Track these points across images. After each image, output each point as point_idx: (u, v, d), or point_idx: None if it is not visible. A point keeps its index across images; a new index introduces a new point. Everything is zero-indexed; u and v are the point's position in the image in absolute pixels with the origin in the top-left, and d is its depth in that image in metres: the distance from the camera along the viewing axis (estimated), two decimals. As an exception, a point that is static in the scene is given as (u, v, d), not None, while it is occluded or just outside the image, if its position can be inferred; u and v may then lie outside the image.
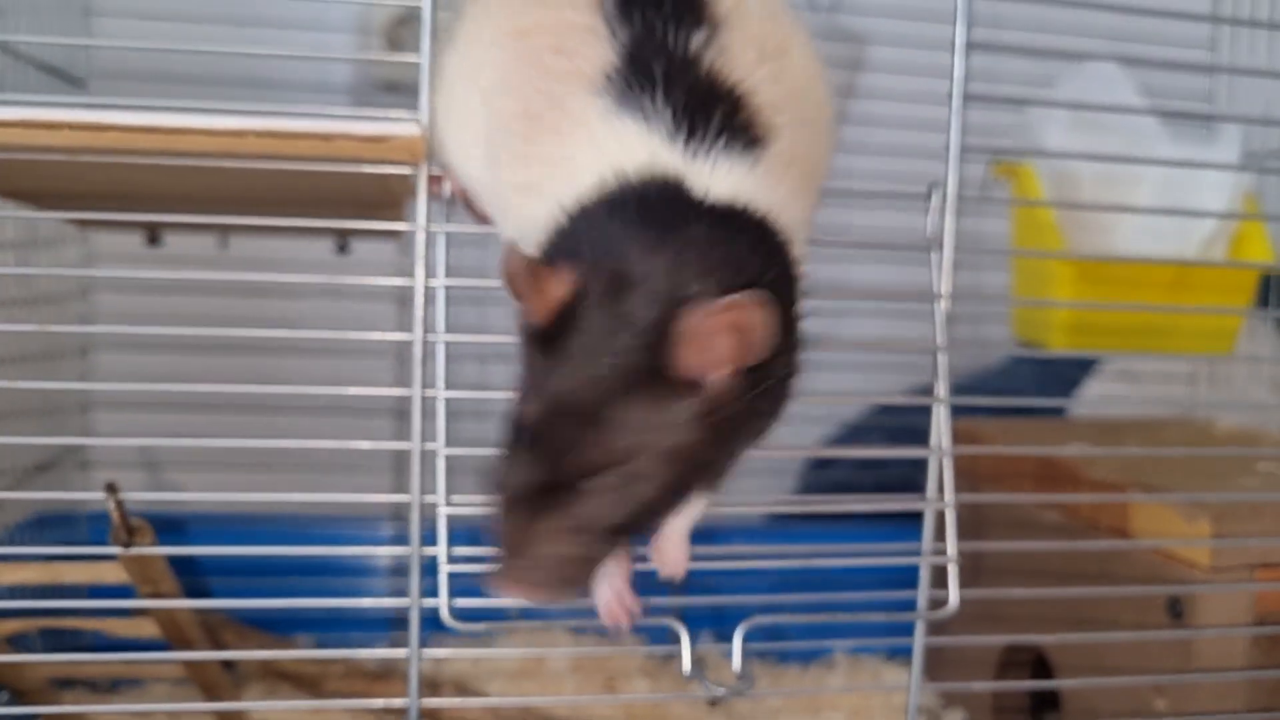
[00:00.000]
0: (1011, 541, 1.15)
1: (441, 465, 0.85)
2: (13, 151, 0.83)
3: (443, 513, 0.84)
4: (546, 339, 0.64)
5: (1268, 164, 1.44)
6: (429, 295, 0.86)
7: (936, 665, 1.27)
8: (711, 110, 0.67)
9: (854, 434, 1.71)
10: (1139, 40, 1.37)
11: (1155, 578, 1.05)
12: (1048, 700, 1.29)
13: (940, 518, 0.94)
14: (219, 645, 1.10)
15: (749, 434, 0.69)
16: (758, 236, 0.67)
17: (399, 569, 1.45)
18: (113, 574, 0.95)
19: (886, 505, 0.98)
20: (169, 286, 1.34)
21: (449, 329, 0.85)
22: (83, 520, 1.43)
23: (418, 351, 0.86)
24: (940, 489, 0.93)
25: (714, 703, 1.36)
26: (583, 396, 0.62)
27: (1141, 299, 1.29)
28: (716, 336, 0.60)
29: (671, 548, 0.82)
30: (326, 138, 0.83)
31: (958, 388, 0.96)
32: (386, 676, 1.28)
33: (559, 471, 0.62)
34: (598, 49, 0.70)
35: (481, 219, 0.88)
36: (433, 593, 0.86)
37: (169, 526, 1.01)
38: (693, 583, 1.43)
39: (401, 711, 1.28)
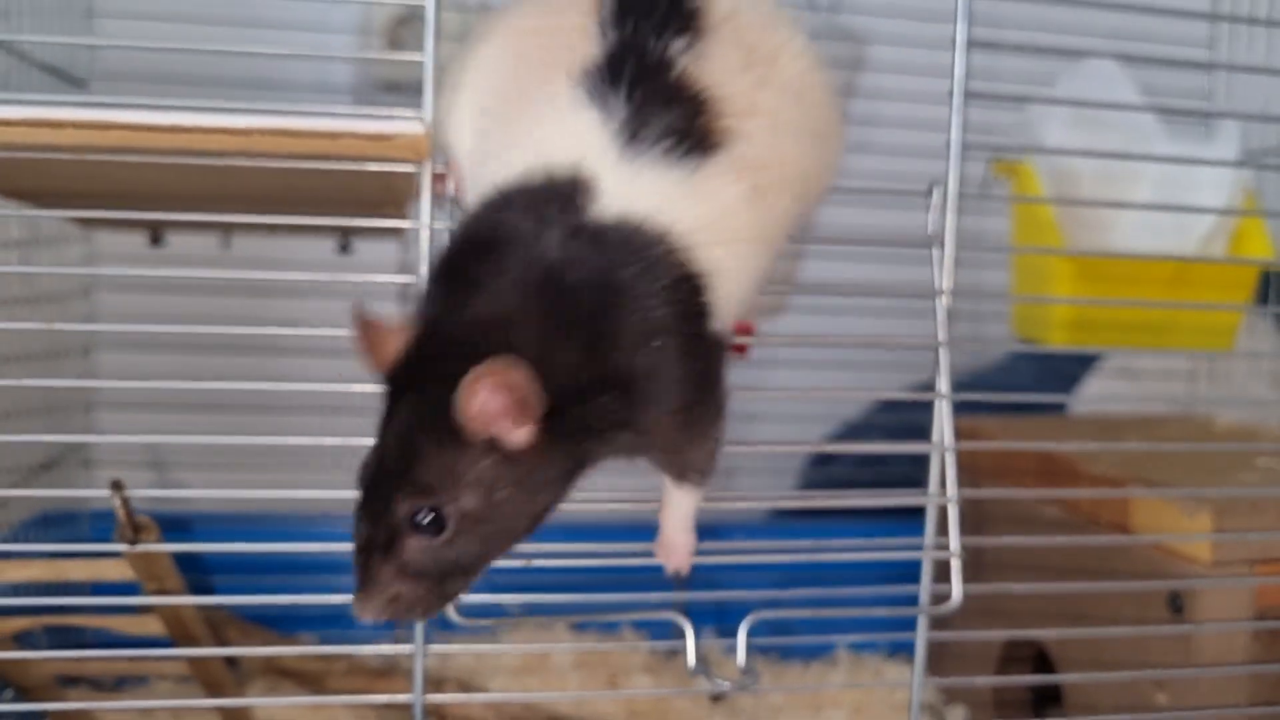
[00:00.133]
0: (1013, 536, 1.16)
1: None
2: (17, 150, 0.83)
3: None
4: (387, 390, 0.67)
5: (1266, 161, 1.44)
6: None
7: (938, 661, 1.27)
8: (664, 113, 0.69)
9: (854, 432, 1.71)
10: (1138, 38, 1.37)
11: (1156, 573, 1.06)
12: (1049, 696, 1.30)
13: (942, 513, 0.94)
14: (223, 643, 1.11)
15: (564, 483, 0.69)
16: (630, 262, 0.67)
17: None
18: (118, 571, 0.96)
19: (890, 501, 0.98)
20: (171, 286, 1.35)
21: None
22: (86, 518, 1.43)
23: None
24: (943, 484, 0.94)
25: (716, 699, 1.36)
26: (394, 449, 0.65)
27: (1141, 296, 1.30)
28: (487, 398, 0.62)
29: (674, 540, 0.83)
30: (333, 136, 0.83)
31: (958, 385, 0.96)
32: (389, 673, 1.29)
33: (382, 520, 0.65)
34: (587, 47, 0.72)
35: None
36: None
37: (173, 525, 1.02)
38: (696, 579, 1.44)
39: (404, 708, 1.29)
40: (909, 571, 0.99)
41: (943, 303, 0.94)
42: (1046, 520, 1.22)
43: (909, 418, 1.58)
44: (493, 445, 0.64)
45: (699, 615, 0.94)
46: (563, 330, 0.65)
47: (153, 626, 1.04)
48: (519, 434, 0.64)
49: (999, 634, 1.22)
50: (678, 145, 0.68)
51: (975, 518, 1.24)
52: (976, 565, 1.02)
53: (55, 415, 1.41)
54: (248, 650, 1.21)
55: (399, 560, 0.65)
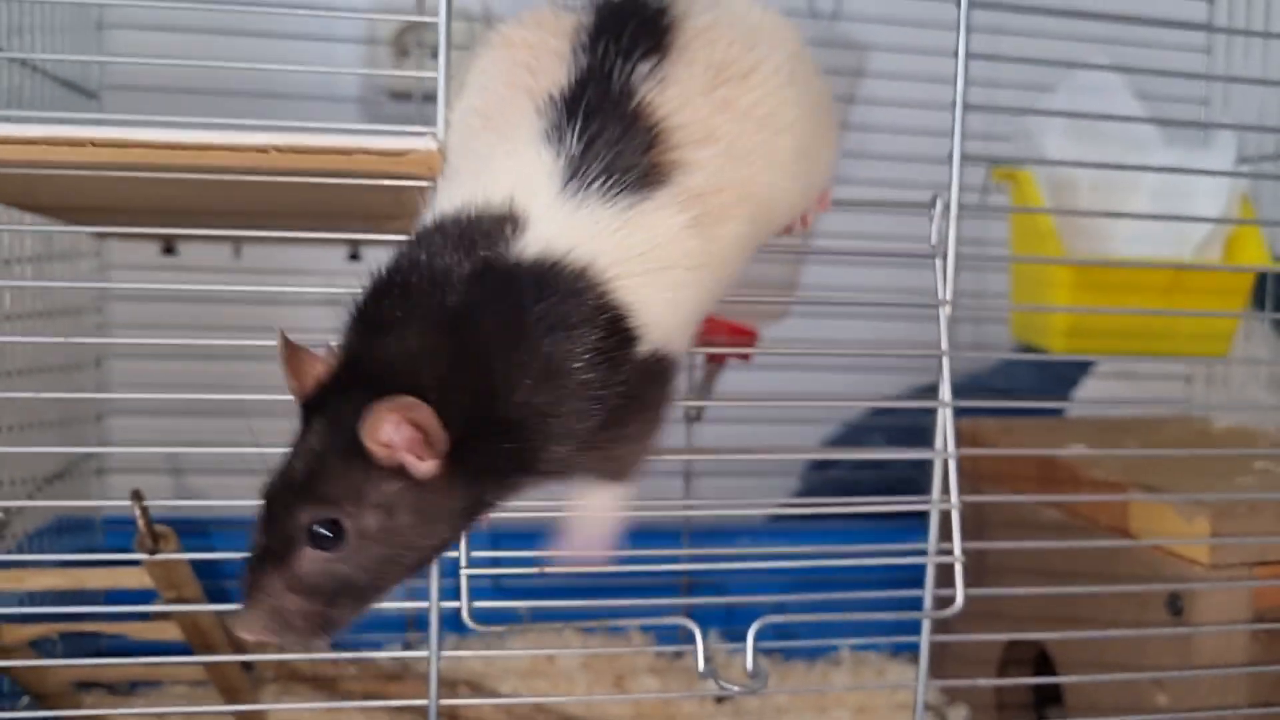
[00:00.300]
0: (1015, 541, 1.18)
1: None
2: (37, 167, 0.85)
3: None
4: (302, 414, 0.69)
5: (1262, 167, 1.45)
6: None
7: (940, 662, 1.29)
8: (613, 148, 0.70)
9: (854, 433, 1.73)
10: (1135, 44, 1.39)
11: (1155, 575, 1.07)
12: (1049, 697, 1.31)
13: (944, 518, 0.96)
14: (239, 647, 1.12)
15: (465, 519, 0.70)
16: (539, 301, 0.67)
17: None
18: (135, 579, 0.97)
19: (894, 506, 1.00)
20: (184, 294, 1.37)
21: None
22: (99, 525, 1.45)
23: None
24: (945, 490, 0.95)
25: (721, 699, 1.38)
26: (301, 466, 0.66)
27: (1138, 302, 1.31)
28: (393, 430, 0.63)
29: (586, 534, 0.82)
30: (347, 152, 0.85)
31: (957, 387, 0.97)
32: (400, 676, 1.31)
33: (280, 530, 0.66)
34: (558, 73, 0.73)
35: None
36: (444, 595, 0.89)
37: (188, 530, 1.03)
38: (701, 582, 1.45)
39: (417, 710, 1.31)
40: (910, 572, 1.01)
41: (945, 312, 0.96)
42: (1046, 523, 1.23)
43: (909, 417, 1.60)
44: (400, 472, 0.65)
45: (703, 617, 0.96)
46: (466, 370, 0.66)
47: (169, 632, 1.05)
48: (424, 466, 0.65)
49: (996, 636, 1.23)
50: (619, 181, 0.69)
51: (976, 521, 1.25)
52: (978, 568, 1.04)
53: (70, 425, 1.42)
54: (265, 655, 1.22)
55: (290, 572, 0.66)
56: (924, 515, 1.32)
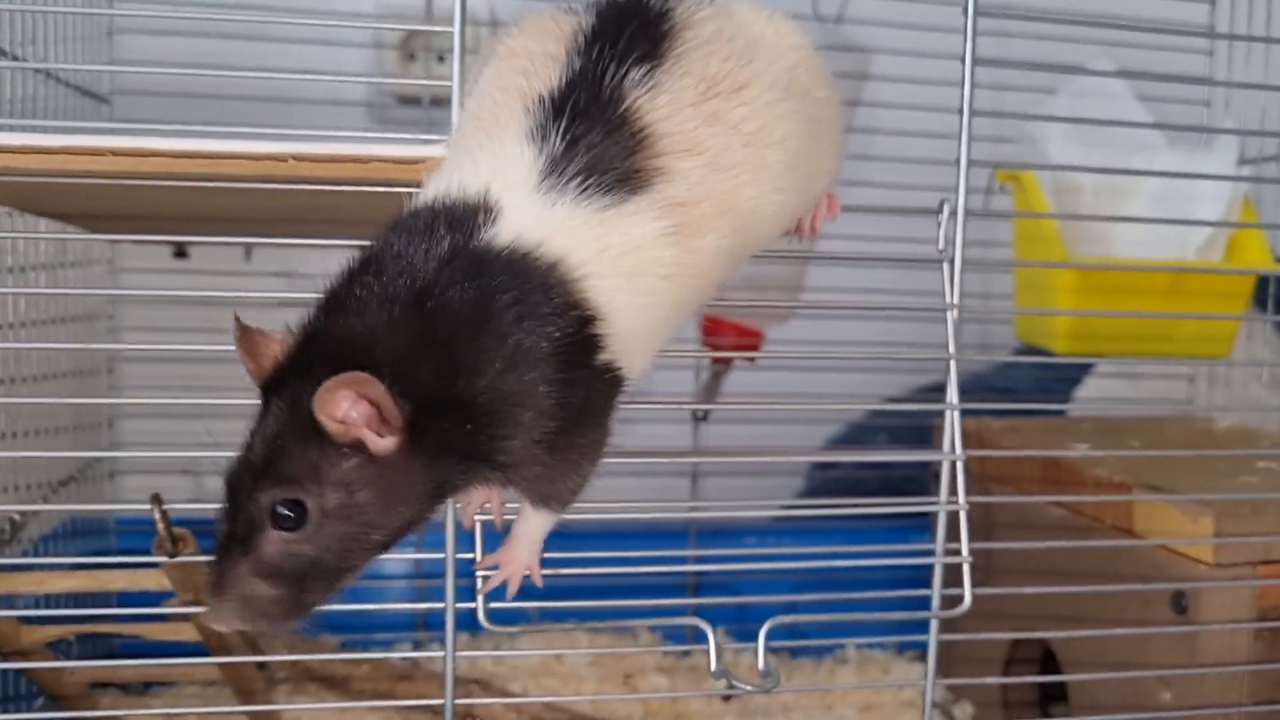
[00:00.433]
0: (1021, 541, 1.19)
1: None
2: (57, 176, 0.86)
3: (478, 517, 0.87)
4: (261, 397, 0.69)
5: (1263, 170, 1.46)
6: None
7: (946, 660, 1.30)
8: (596, 149, 0.70)
9: (857, 432, 1.74)
10: (1137, 47, 1.40)
11: (1160, 575, 1.08)
12: (1054, 695, 1.33)
13: (951, 518, 0.97)
14: (255, 648, 1.13)
15: (428, 499, 0.71)
16: (508, 288, 0.68)
17: (417, 573, 1.49)
18: (154, 581, 0.98)
19: (902, 507, 1.01)
20: (195, 298, 1.38)
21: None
22: (112, 528, 1.46)
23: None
24: (952, 491, 0.97)
25: (728, 698, 1.39)
26: (260, 449, 0.66)
27: (1141, 305, 1.32)
28: (348, 406, 0.64)
29: (517, 552, 0.84)
30: (363, 161, 0.86)
31: (961, 387, 0.98)
32: (411, 676, 1.32)
33: (242, 515, 0.66)
34: (552, 75, 0.74)
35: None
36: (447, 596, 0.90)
37: (204, 532, 1.04)
38: (705, 582, 1.47)
39: (427, 709, 1.33)
40: (912, 572, 1.01)
41: (953, 316, 0.97)
42: (1051, 523, 1.24)
43: (911, 416, 1.61)
44: (357, 448, 0.66)
45: (710, 616, 0.97)
46: (426, 349, 0.66)
47: (186, 633, 1.06)
48: (382, 442, 0.65)
49: (1003, 635, 1.24)
50: (599, 182, 0.70)
51: (982, 521, 1.26)
52: (984, 568, 1.04)
53: (83, 429, 1.44)
54: (280, 656, 1.23)
55: (256, 557, 0.66)
56: (925, 516, 1.33)
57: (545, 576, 0.86)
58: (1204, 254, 1.37)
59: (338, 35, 1.54)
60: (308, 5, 1.45)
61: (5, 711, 1.16)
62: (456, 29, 0.90)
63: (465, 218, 0.69)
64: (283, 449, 0.66)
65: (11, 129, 1.11)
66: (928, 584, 0.98)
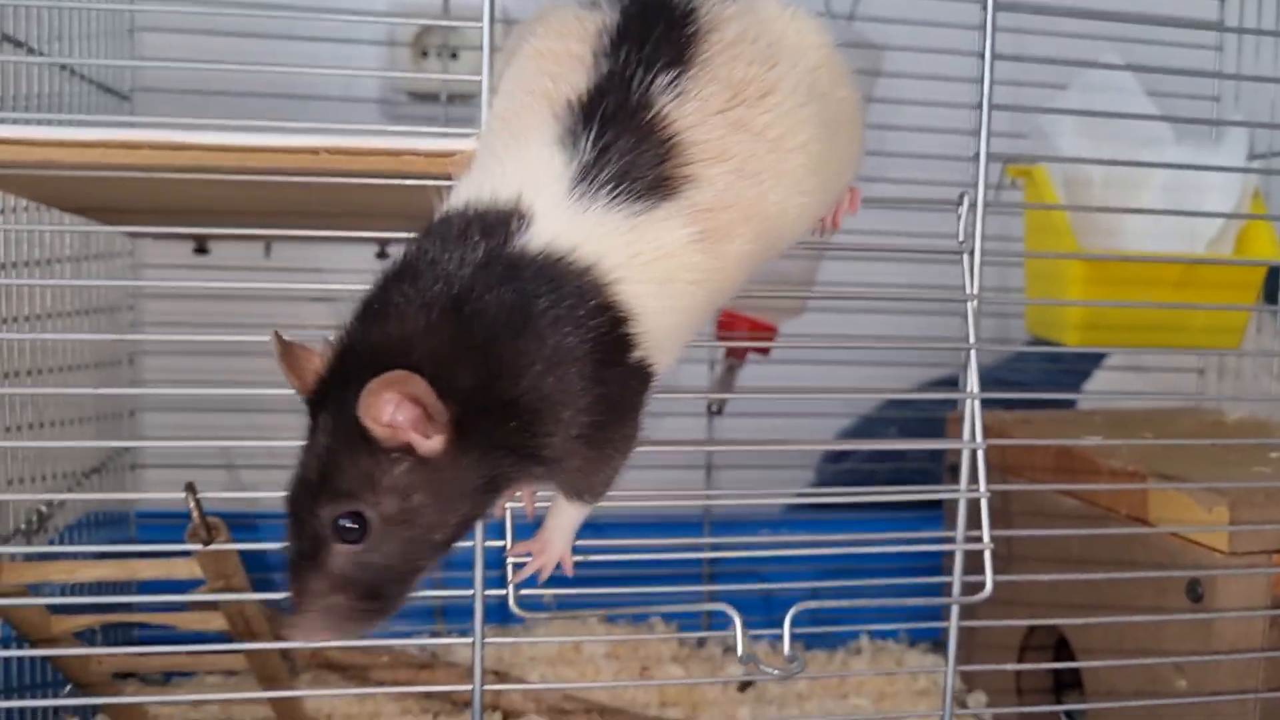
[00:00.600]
0: (1039, 530, 1.20)
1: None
2: (88, 169, 0.87)
3: (508, 505, 0.89)
4: (309, 411, 0.70)
5: (1273, 163, 1.48)
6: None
7: (960, 649, 1.31)
8: (626, 156, 0.71)
9: (869, 425, 1.75)
10: (1147, 42, 1.41)
11: (1175, 562, 1.09)
12: (1068, 683, 1.34)
13: (971, 506, 0.98)
14: (281, 637, 1.14)
15: (481, 496, 0.71)
16: (543, 291, 0.69)
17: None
18: (185, 570, 1.00)
19: (925, 495, 1.01)
20: (215, 292, 1.39)
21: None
22: (132, 518, 1.48)
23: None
24: (973, 479, 0.98)
25: (743, 688, 1.40)
26: (314, 465, 0.68)
27: (1151, 296, 1.34)
28: (394, 408, 0.65)
29: (551, 542, 0.86)
30: (396, 154, 0.87)
31: (974, 380, 0.99)
32: (430, 665, 1.33)
33: (307, 532, 0.68)
34: (579, 78, 0.74)
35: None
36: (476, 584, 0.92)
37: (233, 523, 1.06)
38: (720, 571, 1.48)
39: (445, 698, 1.34)
40: (925, 560, 1.02)
41: (973, 306, 0.98)
42: (1065, 512, 1.25)
43: (922, 409, 1.63)
44: (407, 452, 0.67)
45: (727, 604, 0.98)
46: (466, 352, 0.67)
47: (213, 622, 1.07)
48: (430, 443, 0.67)
49: (1023, 622, 1.25)
50: (630, 189, 0.71)
51: (998, 510, 1.28)
52: (1002, 556, 1.05)
53: (105, 420, 1.45)
54: (305, 643, 1.24)
55: (327, 571, 0.67)
56: (937, 508, 1.34)
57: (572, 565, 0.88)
58: (1214, 247, 1.38)
59: (351, 32, 1.55)
60: (323, 3, 1.46)
61: (34, 699, 1.17)
62: (485, 25, 0.91)
63: (498, 224, 0.70)
64: (335, 463, 0.67)
65: (35, 124, 1.12)
66: (941, 573, 0.99)
